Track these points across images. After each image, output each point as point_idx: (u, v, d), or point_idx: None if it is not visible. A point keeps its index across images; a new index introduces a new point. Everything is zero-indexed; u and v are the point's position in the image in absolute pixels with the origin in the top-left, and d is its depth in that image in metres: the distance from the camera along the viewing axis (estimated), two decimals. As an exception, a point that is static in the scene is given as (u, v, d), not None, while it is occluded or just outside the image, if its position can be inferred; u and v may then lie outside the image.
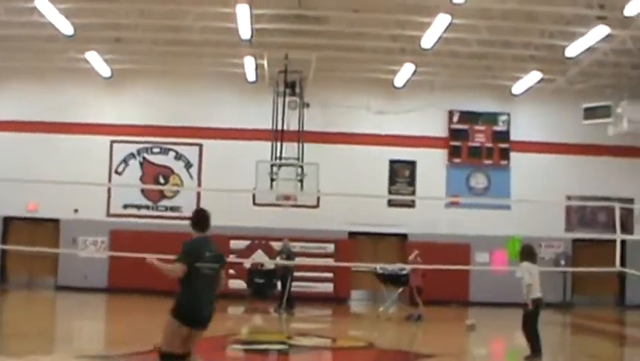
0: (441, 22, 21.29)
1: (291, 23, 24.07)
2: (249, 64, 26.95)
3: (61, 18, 22.54)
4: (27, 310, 23.36)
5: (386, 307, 23.91)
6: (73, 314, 23.87)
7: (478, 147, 29.66)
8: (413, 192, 29.60)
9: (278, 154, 25.86)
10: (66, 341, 15.47)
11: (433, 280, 24.64)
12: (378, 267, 24.43)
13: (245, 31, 22.97)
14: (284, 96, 26.25)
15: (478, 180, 29.73)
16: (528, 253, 14.78)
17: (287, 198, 25.15)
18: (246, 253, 28.41)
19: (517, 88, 28.56)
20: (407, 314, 22.75)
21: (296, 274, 25.66)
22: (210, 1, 21.99)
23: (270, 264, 27.61)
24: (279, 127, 26.23)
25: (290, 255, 25.04)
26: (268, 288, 26.89)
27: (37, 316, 21.45)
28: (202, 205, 28.51)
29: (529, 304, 14.25)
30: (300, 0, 22.13)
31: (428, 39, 22.98)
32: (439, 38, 22.93)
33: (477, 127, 29.69)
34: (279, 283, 25.21)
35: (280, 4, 22.73)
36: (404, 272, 23.32)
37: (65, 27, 23.25)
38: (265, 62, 26.71)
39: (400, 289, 23.90)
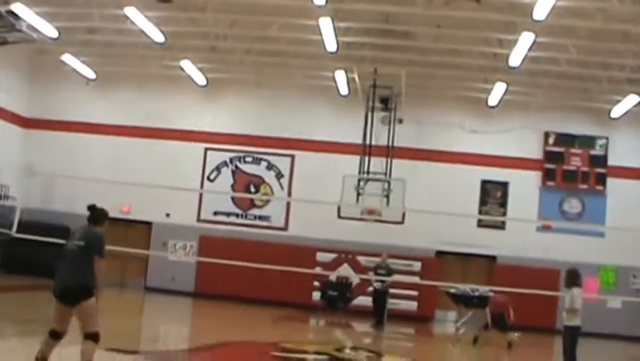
0: (525, 40, 20.95)
1: (379, 37, 24.05)
2: (340, 77, 27.04)
3: (150, 26, 23.04)
4: (110, 308, 23.81)
5: (457, 328, 23.58)
6: (151, 314, 24.36)
7: (573, 171, 28.89)
8: (504, 214, 28.96)
9: (366, 168, 25.82)
10: (131, 337, 15.66)
11: (519, 306, 24.29)
12: (461, 288, 24.05)
13: (330, 44, 23.02)
14: (373, 111, 26.23)
15: (572, 205, 29.01)
16: (577, 277, 14.34)
17: (371, 212, 25.01)
18: (332, 266, 28.45)
19: (616, 111, 27.72)
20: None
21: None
22: (294, 13, 22.11)
23: (355, 278, 27.62)
24: (369, 141, 26.22)
25: (389, 271, 24.92)
26: (340, 300, 26.90)
27: (115, 314, 21.82)
28: (291, 216, 29.18)
29: (571, 330, 13.85)
30: (387, 14, 22.10)
31: (515, 57, 22.60)
32: (526, 57, 22.52)
33: (573, 150, 28.92)
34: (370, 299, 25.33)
35: (366, 18, 22.69)
36: (476, 294, 22.91)
37: (156, 35, 23.76)
38: (356, 76, 26.77)
39: (471, 312, 23.49)
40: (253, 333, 18.82)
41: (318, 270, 27.68)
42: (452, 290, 23.77)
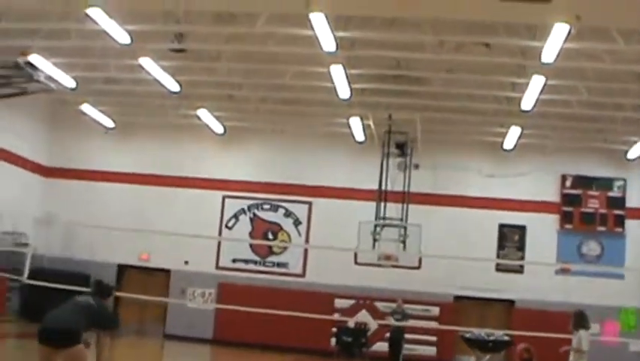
0: (536, 83, 21.02)
1: (391, 83, 24.15)
2: (356, 124, 27.19)
3: (165, 76, 23.38)
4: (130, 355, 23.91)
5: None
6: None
7: (591, 213, 28.74)
8: (522, 258, 28.79)
9: (382, 214, 25.86)
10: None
11: (540, 350, 24.11)
12: (476, 333, 23.87)
13: (343, 91, 23.21)
14: (388, 157, 26.32)
15: (591, 248, 28.85)
16: (584, 319, 14.28)
17: (388, 258, 25.04)
18: (350, 312, 28.39)
19: (633, 152, 27.63)
20: None
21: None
22: (307, 61, 22.21)
23: (374, 324, 27.55)
24: (385, 187, 26.30)
25: (405, 316, 24.79)
26: (355, 346, 26.80)
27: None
28: (308, 263, 29.22)
29: None
30: (398, 60, 22.27)
31: (527, 100, 22.68)
32: (538, 100, 22.59)
33: (591, 192, 28.82)
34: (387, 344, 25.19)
35: (378, 64, 22.82)
36: (492, 338, 22.77)
37: (171, 84, 24.10)
38: (371, 123, 26.93)
39: (488, 357, 23.34)
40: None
41: (336, 316, 27.69)
42: (467, 335, 23.62)
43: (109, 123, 30.69)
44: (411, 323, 25.30)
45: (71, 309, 9.66)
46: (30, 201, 29.63)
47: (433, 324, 27.27)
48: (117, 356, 24.48)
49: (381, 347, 26.41)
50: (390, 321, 24.91)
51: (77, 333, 9.34)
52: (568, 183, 29.05)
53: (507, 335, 22.56)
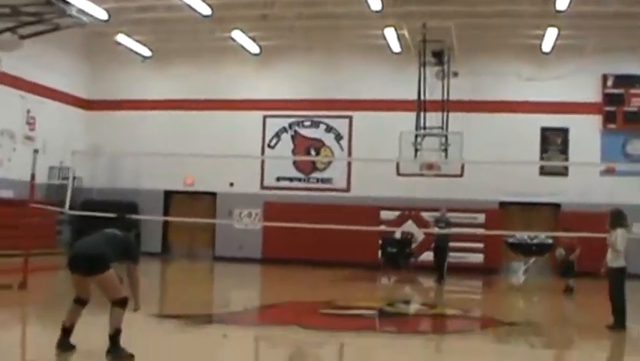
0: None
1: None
2: (390, 35, 26.96)
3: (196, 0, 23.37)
4: (181, 277, 24.36)
5: (517, 278, 23.44)
6: (216, 281, 24.92)
7: (635, 112, 28.26)
8: (566, 160, 28.61)
9: (422, 124, 25.77)
10: (192, 303, 16.01)
11: (586, 251, 24.09)
12: (519, 237, 23.73)
13: (375, 2, 23.02)
14: (425, 66, 26.11)
15: (635, 147, 28.47)
16: (621, 218, 14.18)
17: (430, 167, 25.00)
18: (396, 223, 28.52)
19: (675, 48, 27.22)
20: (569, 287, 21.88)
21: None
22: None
23: (419, 234, 27.65)
24: (424, 97, 26.16)
25: (449, 224, 24.70)
26: (401, 257, 26.90)
27: (184, 282, 22.29)
28: (352, 177, 29.31)
29: (616, 271, 13.74)
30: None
31: (562, 0, 22.30)
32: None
33: (633, 91, 28.31)
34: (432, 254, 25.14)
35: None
36: (535, 241, 22.73)
37: (203, 8, 24.06)
38: (406, 32, 26.72)
39: (532, 259, 23.33)
40: (312, 294, 19.05)
41: (382, 227, 27.83)
42: (510, 240, 23.55)
43: (145, 52, 30.85)
44: (455, 230, 25.20)
45: (98, 238, 9.80)
46: (74, 135, 30.01)
47: (480, 232, 27.27)
48: (170, 278, 25.27)
49: (429, 256, 26.22)
50: (435, 230, 24.82)
51: (105, 259, 9.44)
52: (609, 83, 28.62)
53: (550, 237, 22.47)
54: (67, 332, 9.67)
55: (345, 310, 15.80)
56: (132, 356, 9.34)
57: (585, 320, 16.09)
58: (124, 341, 9.28)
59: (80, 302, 9.76)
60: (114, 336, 9.33)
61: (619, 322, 13.63)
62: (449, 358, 11.56)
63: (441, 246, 24.09)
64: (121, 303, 9.45)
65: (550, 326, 15.47)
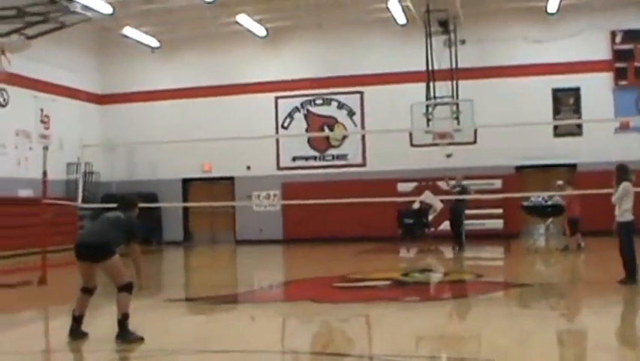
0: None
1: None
2: (395, 7, 26.95)
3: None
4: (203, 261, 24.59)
5: (534, 240, 23.47)
6: (236, 262, 25.19)
7: (646, 67, 28.34)
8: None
9: (432, 94, 25.79)
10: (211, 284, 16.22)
11: (601, 210, 24.05)
12: (533, 200, 23.64)
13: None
14: (431, 36, 26.09)
15: (649, 101, 28.48)
16: (626, 172, 14.21)
17: (442, 136, 25.01)
18: (415, 194, 28.56)
19: (682, 0, 27.05)
20: (563, 245, 22.13)
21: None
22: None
23: (438, 204, 27.68)
24: (432, 67, 26.18)
25: (465, 190, 24.28)
26: (418, 228, 26.90)
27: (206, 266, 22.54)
28: (367, 152, 29.39)
29: (624, 225, 13.84)
30: None
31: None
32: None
33: (643, 45, 28.38)
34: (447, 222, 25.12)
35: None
36: (549, 203, 22.71)
37: (206, -6, 24.22)
38: (409, 3, 26.73)
39: (549, 221, 23.33)
40: (329, 269, 19.15)
41: (400, 199, 27.87)
42: (525, 203, 23.58)
43: (154, 43, 31.07)
44: (471, 196, 25.07)
45: (101, 224, 10.05)
46: (89, 130, 30.19)
47: (494, 197, 27.18)
48: (194, 262, 25.53)
49: (447, 225, 26.14)
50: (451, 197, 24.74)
51: (110, 245, 9.68)
52: (618, 39, 28.49)
53: (570, 199, 22.42)
54: (77, 320, 9.93)
55: (359, 282, 15.98)
56: (142, 338, 9.60)
57: (598, 277, 16.12)
58: (158, 327, 9.57)
59: (87, 291, 10.02)
60: (122, 321, 9.59)
61: (630, 276, 13.72)
62: (455, 322, 11.67)
63: (456, 213, 23.97)
64: (127, 288, 9.71)
65: (562, 285, 15.61)
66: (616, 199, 13.81)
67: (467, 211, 24.34)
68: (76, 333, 9.90)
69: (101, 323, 10.62)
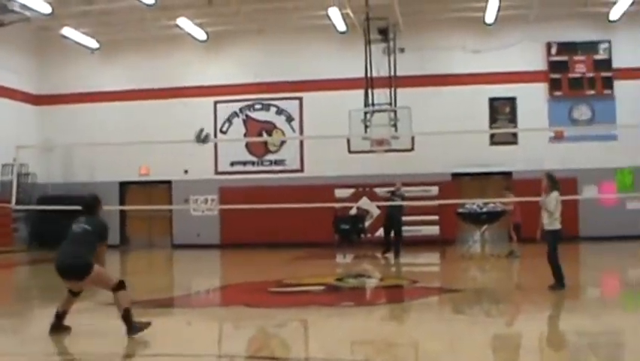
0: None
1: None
2: (335, 14, 27.14)
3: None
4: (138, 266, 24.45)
5: (469, 246, 23.78)
6: (171, 268, 25.08)
7: (579, 78, 28.80)
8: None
9: (371, 101, 25.95)
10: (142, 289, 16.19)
11: (535, 217, 24.45)
12: (468, 207, 23.93)
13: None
14: (370, 44, 26.22)
15: (582, 112, 28.95)
16: (556, 181, 14.58)
17: (380, 143, 25.16)
18: (351, 200, 28.72)
19: (614, 13, 27.56)
20: (508, 251, 22.39)
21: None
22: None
23: (374, 210, 27.87)
24: (371, 74, 26.33)
25: (403, 198, 24.32)
26: (354, 233, 27.10)
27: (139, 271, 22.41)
28: (305, 157, 29.49)
29: (551, 234, 14.13)
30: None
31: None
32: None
33: (577, 57, 28.82)
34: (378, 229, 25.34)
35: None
36: (484, 210, 23.00)
37: (146, -5, 24.15)
38: (349, 11, 26.93)
39: (484, 227, 23.62)
40: (265, 274, 19.21)
41: (337, 205, 28.01)
42: (460, 210, 23.89)
43: (93, 44, 30.80)
44: (406, 202, 25.20)
45: (75, 243, 10.12)
46: (27, 131, 29.92)
47: (430, 203, 27.41)
48: (130, 266, 25.35)
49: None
50: (389, 203, 24.86)
51: (88, 262, 9.88)
52: (553, 51, 29.07)
53: (501, 203, 22.75)
54: (59, 317, 10.18)
55: (294, 287, 16.06)
56: (149, 323, 10.06)
57: (530, 283, 16.40)
58: (92, 330, 9.93)
59: (74, 293, 10.26)
60: (126, 316, 9.91)
61: (559, 282, 14.02)
62: (388, 326, 11.78)
63: (392, 218, 24.03)
64: (119, 287, 10.04)
65: (494, 291, 15.84)
66: (553, 208, 14.07)
67: (406, 218, 24.58)
68: (58, 328, 10.12)
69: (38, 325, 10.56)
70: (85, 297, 10.77)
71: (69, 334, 10.09)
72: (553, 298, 13.63)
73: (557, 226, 14.13)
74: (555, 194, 14.23)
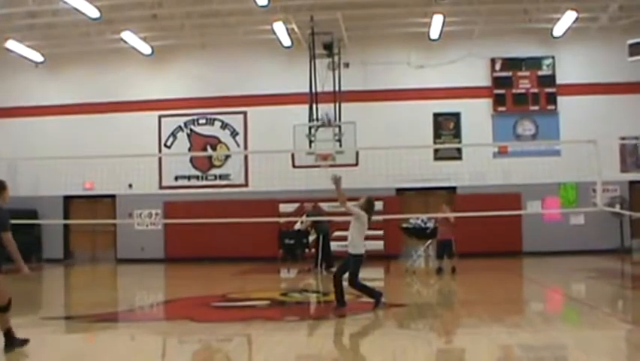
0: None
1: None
2: (280, 29, 27.16)
3: (83, 3, 23.17)
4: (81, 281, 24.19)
5: (413, 261, 23.87)
6: (115, 283, 24.78)
7: (523, 94, 29.13)
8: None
9: (315, 116, 25.95)
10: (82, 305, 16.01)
11: (484, 232, 24.64)
12: (413, 222, 24.02)
13: (261, -3, 23.22)
14: (314, 58, 26.27)
15: (526, 127, 29.27)
16: (370, 205, 14.76)
17: (324, 158, 25.17)
18: (296, 215, 28.64)
19: (558, 30, 27.89)
20: (437, 267, 22.40)
21: (343, 233, 25.82)
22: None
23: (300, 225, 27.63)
24: (315, 89, 26.35)
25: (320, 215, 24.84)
26: (298, 248, 27.07)
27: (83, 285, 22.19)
28: (250, 172, 29.40)
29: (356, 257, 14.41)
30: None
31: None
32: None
33: (521, 73, 29.17)
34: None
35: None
36: (429, 225, 23.08)
37: (91, 11, 23.88)
38: (294, 26, 26.97)
39: (428, 242, 23.71)
40: (209, 289, 19.17)
41: (282, 220, 27.93)
42: (404, 225, 23.97)
43: (38, 58, 30.39)
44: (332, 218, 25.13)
45: None
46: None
47: (378, 218, 27.45)
48: (73, 281, 25.04)
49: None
50: (333, 219, 24.80)
51: None
52: (497, 66, 29.36)
53: (443, 222, 22.74)
54: (7, 335, 10.01)
55: (238, 302, 16.00)
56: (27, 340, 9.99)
57: (471, 298, 16.54)
58: (32, 345, 9.98)
59: (1, 309, 10.00)
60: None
61: (374, 297, 14.58)
62: (331, 340, 11.80)
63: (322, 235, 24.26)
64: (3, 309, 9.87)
65: (436, 305, 15.98)
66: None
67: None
68: (13, 345, 9.95)
69: None
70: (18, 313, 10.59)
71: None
72: (498, 312, 13.69)
73: (362, 250, 14.54)
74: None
